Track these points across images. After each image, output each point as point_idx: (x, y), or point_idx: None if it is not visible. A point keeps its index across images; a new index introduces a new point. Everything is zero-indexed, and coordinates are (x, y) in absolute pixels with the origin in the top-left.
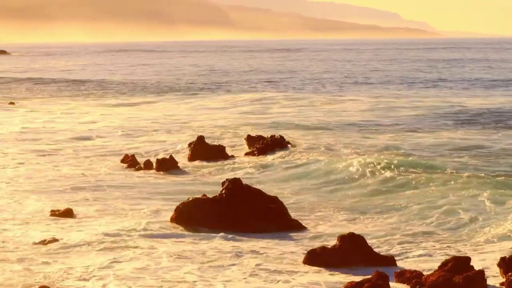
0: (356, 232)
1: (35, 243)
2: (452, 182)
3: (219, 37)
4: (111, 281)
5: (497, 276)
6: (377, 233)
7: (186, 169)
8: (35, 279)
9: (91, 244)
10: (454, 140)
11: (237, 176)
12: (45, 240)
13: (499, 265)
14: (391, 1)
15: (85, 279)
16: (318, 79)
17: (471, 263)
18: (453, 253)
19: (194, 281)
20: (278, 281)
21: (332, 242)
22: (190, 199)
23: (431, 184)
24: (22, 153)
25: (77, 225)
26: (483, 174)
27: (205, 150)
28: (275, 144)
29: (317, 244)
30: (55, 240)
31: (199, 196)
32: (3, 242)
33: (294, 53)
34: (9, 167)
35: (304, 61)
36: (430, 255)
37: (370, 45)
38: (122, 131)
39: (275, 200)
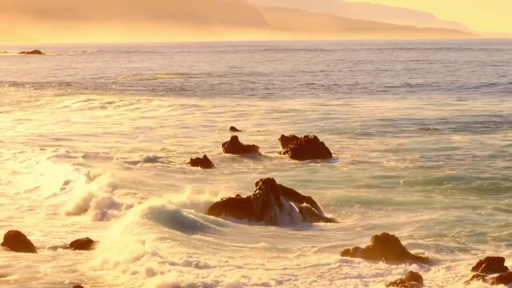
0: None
1: (69, 243)
2: None
3: (253, 37)
4: (145, 280)
5: None
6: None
7: (219, 169)
8: (67, 278)
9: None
10: None
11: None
12: (78, 240)
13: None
14: (426, 1)
15: (118, 276)
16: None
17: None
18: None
19: (245, 283)
20: (317, 276)
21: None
22: (223, 199)
23: None
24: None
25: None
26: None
27: (239, 150)
28: (309, 144)
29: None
30: (88, 239)
31: (233, 195)
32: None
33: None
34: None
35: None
36: (465, 255)
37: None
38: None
39: (308, 200)
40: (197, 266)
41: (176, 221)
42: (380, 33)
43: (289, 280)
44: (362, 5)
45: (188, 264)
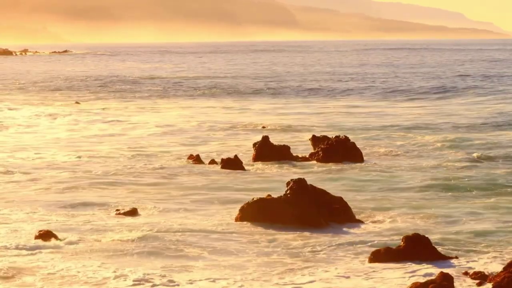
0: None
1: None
2: None
3: (285, 38)
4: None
5: None
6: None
7: (250, 169)
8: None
9: (155, 246)
10: None
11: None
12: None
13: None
14: (457, 1)
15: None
16: None
17: None
18: None
19: (279, 284)
20: (348, 276)
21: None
22: (254, 199)
23: None
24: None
25: (141, 224)
26: None
27: (270, 151)
28: (340, 145)
29: (381, 240)
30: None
31: (264, 196)
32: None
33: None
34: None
35: None
36: (496, 256)
37: None
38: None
39: (340, 200)
40: None
41: None
42: (412, 33)
43: (312, 280)
44: (393, 5)
45: None
